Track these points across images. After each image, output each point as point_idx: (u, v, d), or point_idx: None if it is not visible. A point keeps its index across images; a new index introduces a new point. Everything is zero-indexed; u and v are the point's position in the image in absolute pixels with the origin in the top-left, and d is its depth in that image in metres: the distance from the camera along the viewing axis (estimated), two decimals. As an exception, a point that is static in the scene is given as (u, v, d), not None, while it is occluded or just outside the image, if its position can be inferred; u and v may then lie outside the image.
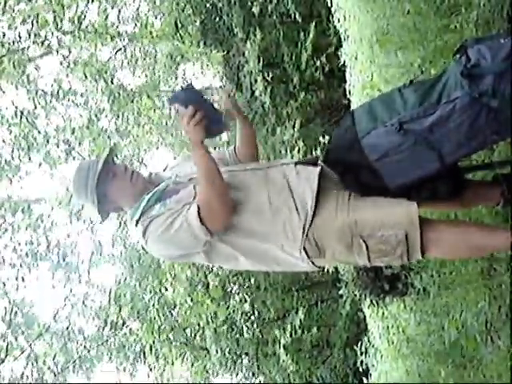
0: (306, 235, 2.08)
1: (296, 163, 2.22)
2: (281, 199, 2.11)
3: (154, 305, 8.16)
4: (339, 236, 2.06)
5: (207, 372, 8.88)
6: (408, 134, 1.92)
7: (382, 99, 2.07)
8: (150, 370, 8.85)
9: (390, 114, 1.96)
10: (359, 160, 2.02)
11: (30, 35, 8.36)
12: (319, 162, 2.24)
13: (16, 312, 8.23)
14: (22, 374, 8.20)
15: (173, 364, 8.80)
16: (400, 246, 2.02)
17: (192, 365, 8.90)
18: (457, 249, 2.11)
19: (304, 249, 2.09)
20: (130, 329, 8.50)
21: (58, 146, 8.85)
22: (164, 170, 2.42)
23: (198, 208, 2.05)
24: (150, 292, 8.29)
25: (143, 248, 2.28)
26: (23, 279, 8.38)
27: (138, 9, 10.49)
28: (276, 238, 2.11)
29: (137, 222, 2.15)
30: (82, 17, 8.85)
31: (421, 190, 2.09)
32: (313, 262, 2.13)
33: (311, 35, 7.66)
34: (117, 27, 9.71)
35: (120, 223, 9.67)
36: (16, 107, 8.46)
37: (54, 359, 8.45)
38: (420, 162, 1.97)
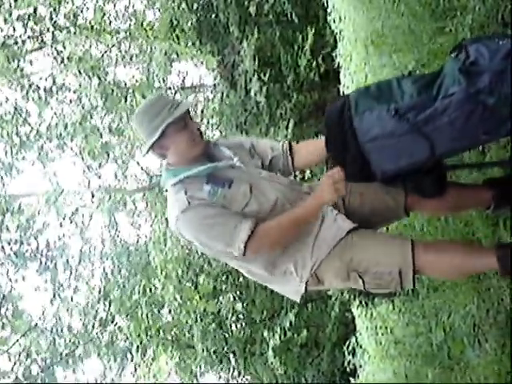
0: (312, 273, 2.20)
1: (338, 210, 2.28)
2: (312, 235, 2.21)
3: (142, 302, 8.11)
4: (336, 271, 2.18)
5: (193, 371, 8.85)
6: (402, 121, 1.91)
7: (380, 85, 2.03)
8: (136, 369, 8.82)
9: (387, 99, 1.94)
10: (349, 140, 2.00)
11: (25, 30, 8.32)
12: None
13: (2, 303, 8.14)
14: (12, 368, 8.13)
15: (159, 360, 8.76)
16: (394, 281, 2.13)
17: (179, 363, 8.87)
18: (446, 273, 2.28)
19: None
20: (119, 326, 8.46)
21: (50, 141, 8.79)
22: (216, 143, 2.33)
23: (253, 229, 2.08)
24: (139, 291, 8.24)
25: (168, 216, 2.24)
26: (10, 280, 8.28)
27: (133, 6, 10.47)
28: (289, 264, 2.21)
29: (175, 184, 2.15)
30: (78, 12, 8.82)
31: (406, 180, 2.13)
32: (306, 290, 2.24)
33: (310, 38, 7.60)
34: (112, 23, 9.67)
35: (110, 221, 9.63)
36: (7, 99, 8.39)
37: (41, 355, 8.38)
38: (410, 150, 1.96)
